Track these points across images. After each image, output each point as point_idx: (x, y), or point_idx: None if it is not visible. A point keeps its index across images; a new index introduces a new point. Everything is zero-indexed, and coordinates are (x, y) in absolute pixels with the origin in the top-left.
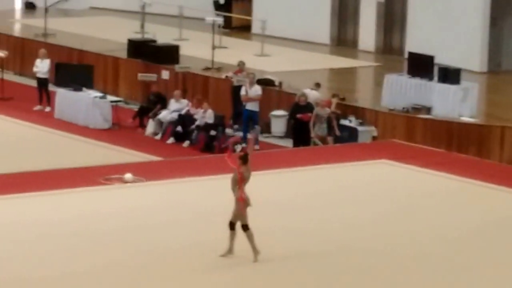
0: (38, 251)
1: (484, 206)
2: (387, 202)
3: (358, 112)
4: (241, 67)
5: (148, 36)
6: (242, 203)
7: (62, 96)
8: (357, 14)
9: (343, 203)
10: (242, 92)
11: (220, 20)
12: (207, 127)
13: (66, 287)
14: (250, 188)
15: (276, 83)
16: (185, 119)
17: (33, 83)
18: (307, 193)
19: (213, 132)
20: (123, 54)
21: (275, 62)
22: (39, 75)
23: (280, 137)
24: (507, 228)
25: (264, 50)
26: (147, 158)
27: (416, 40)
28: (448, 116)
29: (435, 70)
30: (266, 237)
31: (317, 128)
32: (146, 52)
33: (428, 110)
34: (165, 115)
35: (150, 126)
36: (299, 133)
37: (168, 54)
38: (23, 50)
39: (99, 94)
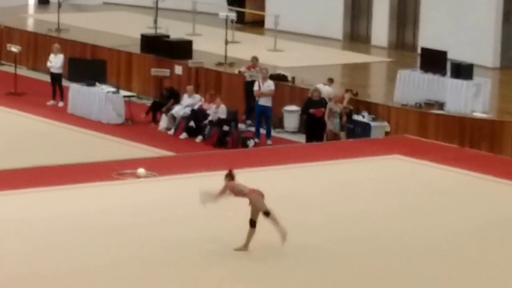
0: (51, 246)
1: (496, 202)
2: (400, 197)
3: (371, 107)
4: (254, 62)
5: (161, 31)
6: (253, 194)
7: (75, 91)
8: (370, 10)
9: (356, 198)
10: (255, 87)
11: (233, 15)
12: (220, 122)
13: (80, 282)
14: (263, 183)
15: (289, 78)
16: (198, 114)
17: (47, 78)
18: (320, 188)
19: (226, 127)
20: (136, 49)
21: (288, 57)
22: (53, 70)
23: (293, 132)
24: None
25: (277, 45)
26: (160, 153)
27: (429, 36)
28: (461, 112)
29: (448, 66)
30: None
31: (330, 123)
32: (159, 47)
33: (440, 105)
34: (178, 110)
35: (163, 121)
36: (312, 128)
37: (181, 49)
38: (36, 45)
39: (112, 89)
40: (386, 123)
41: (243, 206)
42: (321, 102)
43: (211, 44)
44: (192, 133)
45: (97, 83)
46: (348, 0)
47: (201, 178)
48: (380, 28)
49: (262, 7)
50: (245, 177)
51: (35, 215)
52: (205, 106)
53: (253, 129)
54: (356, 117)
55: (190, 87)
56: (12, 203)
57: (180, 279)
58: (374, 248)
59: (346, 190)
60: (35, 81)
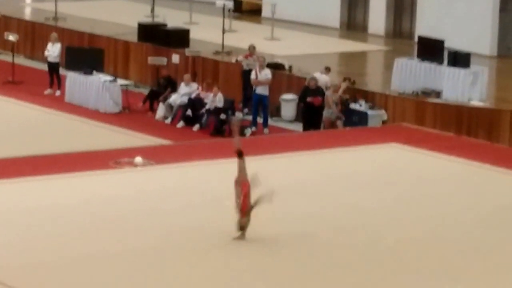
0: (47, 235)
1: (493, 190)
2: (397, 185)
3: (368, 96)
4: (251, 51)
5: (158, 20)
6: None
7: (73, 79)
8: None
9: (353, 187)
10: (252, 76)
11: (230, 4)
12: (217, 111)
13: (78, 270)
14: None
15: (286, 67)
16: (195, 103)
17: (44, 67)
18: (317, 177)
19: (223, 116)
20: (133, 38)
21: (285, 46)
22: (50, 59)
23: (290, 121)
24: None
25: (274, 34)
26: (157, 142)
27: (426, 24)
28: (458, 100)
29: (445, 54)
30: (274, 221)
31: (326, 112)
32: (156, 36)
33: (438, 94)
34: (175, 99)
35: (160, 110)
36: (309, 117)
37: (178, 38)
38: (33, 34)
39: (109, 78)
40: (383, 112)
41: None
42: (318, 91)
43: (208, 33)
44: (189, 121)
45: (94, 72)
46: None
47: (198, 166)
48: (377, 16)
49: None
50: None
51: (32, 204)
52: (202, 94)
53: (250, 117)
54: (353, 105)
55: (187, 76)
56: (9, 192)
57: (178, 268)
58: (371, 237)
59: (343, 179)
60: (32, 70)
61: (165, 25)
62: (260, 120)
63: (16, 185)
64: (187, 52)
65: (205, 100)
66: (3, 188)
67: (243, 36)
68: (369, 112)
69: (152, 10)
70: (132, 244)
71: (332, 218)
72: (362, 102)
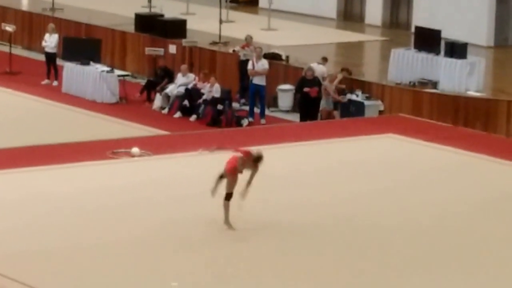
0: (45, 225)
1: (490, 181)
2: (394, 176)
3: (365, 86)
4: (248, 41)
5: (155, 10)
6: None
7: (70, 70)
8: None
9: (350, 177)
10: (249, 66)
11: None
12: (214, 101)
13: (73, 260)
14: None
15: (283, 57)
16: (192, 93)
17: (41, 57)
18: (314, 167)
19: (220, 106)
20: (130, 28)
21: (282, 36)
22: (47, 50)
23: (287, 111)
24: None
25: (271, 24)
26: (154, 132)
27: (423, 14)
28: (455, 91)
29: (442, 45)
30: (272, 211)
31: (324, 102)
32: (153, 26)
33: (434, 84)
34: (172, 89)
35: (157, 100)
36: (306, 107)
37: (175, 29)
38: (31, 25)
39: (107, 68)
40: (380, 102)
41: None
42: (315, 81)
43: (205, 23)
44: (186, 112)
45: (91, 62)
46: None
47: (195, 157)
48: (374, 6)
49: None
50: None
51: (28, 194)
52: (199, 85)
53: (247, 108)
54: (350, 96)
55: (184, 66)
56: (5, 182)
57: (174, 257)
58: (368, 227)
59: (340, 169)
60: (29, 61)
61: (162, 15)
62: (257, 110)
63: (13, 175)
64: (184, 42)
65: (202, 91)
66: None
67: (240, 26)
68: (366, 103)
69: (149, 1)
70: (129, 234)
71: (329, 207)
72: (359, 92)
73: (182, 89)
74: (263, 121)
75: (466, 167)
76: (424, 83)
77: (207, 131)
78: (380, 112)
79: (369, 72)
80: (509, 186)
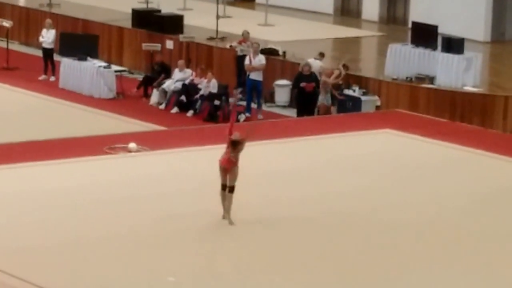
0: (42, 220)
1: (487, 176)
2: (391, 171)
3: (362, 81)
4: (245, 37)
5: (152, 5)
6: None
7: (67, 65)
8: None
9: (347, 173)
10: (246, 61)
11: None
12: (211, 96)
13: (70, 255)
14: (254, 157)
15: (280, 52)
16: (189, 89)
17: (38, 53)
18: (311, 163)
19: (217, 102)
20: (127, 24)
21: (279, 32)
22: (45, 45)
23: (284, 107)
24: (510, 198)
25: (268, 20)
26: (151, 128)
27: (419, 10)
28: (452, 86)
29: (439, 40)
30: (269, 206)
31: (322, 98)
32: (150, 22)
33: (431, 79)
34: (169, 84)
35: (154, 96)
36: (302, 102)
37: (172, 24)
38: (28, 20)
39: (104, 64)
40: (376, 97)
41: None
42: (312, 77)
43: (202, 18)
44: (183, 107)
45: (88, 58)
46: None
47: (192, 152)
48: (371, 2)
49: None
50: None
51: (25, 189)
52: (196, 80)
53: (244, 103)
54: (346, 91)
55: (181, 62)
56: (2, 178)
57: (171, 251)
58: (365, 222)
59: (337, 165)
60: (27, 56)
61: (159, 11)
62: (254, 105)
63: (9, 170)
64: (181, 38)
65: (199, 86)
66: None
67: (237, 22)
68: (363, 98)
69: None
70: (126, 229)
71: (326, 203)
72: (356, 87)
73: (179, 85)
74: (260, 116)
75: (463, 162)
76: (421, 79)
77: (203, 127)
78: (377, 107)
79: (366, 68)
80: (506, 181)
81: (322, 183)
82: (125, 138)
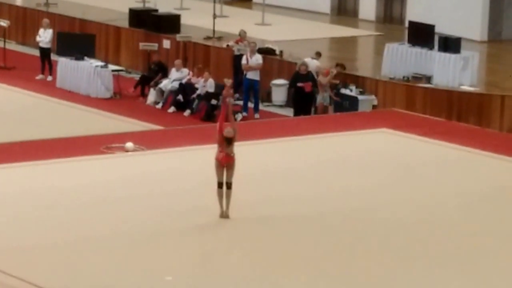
0: (39, 220)
1: (484, 175)
2: (388, 170)
3: (359, 81)
4: (242, 36)
5: (149, 5)
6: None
7: (64, 65)
8: None
9: (344, 172)
10: (243, 61)
11: None
12: (208, 96)
13: (69, 254)
14: (251, 156)
15: (277, 52)
16: (186, 88)
17: (35, 52)
18: (308, 162)
19: (214, 101)
20: (124, 23)
21: (276, 31)
22: (42, 45)
23: (281, 106)
24: (506, 196)
25: (265, 19)
26: (148, 127)
27: (416, 9)
28: (448, 85)
29: (436, 39)
30: (266, 205)
31: (320, 97)
32: (147, 21)
33: (428, 79)
34: (166, 84)
35: (151, 95)
36: (299, 102)
37: (169, 23)
38: (25, 20)
39: (101, 63)
40: (373, 97)
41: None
42: (309, 76)
43: (199, 18)
44: (180, 107)
45: (85, 57)
46: None
47: (189, 151)
48: (368, 1)
49: None
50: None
51: (23, 188)
52: (193, 80)
53: (241, 103)
54: (343, 90)
55: (178, 61)
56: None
57: (168, 251)
58: (362, 221)
59: (334, 164)
60: (24, 56)
61: (156, 10)
62: (251, 105)
63: (7, 170)
64: (178, 37)
65: (196, 85)
66: None
67: (234, 21)
68: (360, 97)
69: None
70: (123, 228)
71: (323, 202)
72: (353, 87)
73: (176, 84)
74: (257, 115)
75: (459, 162)
76: (417, 78)
77: (201, 126)
78: (374, 106)
79: (363, 67)
80: (502, 180)
81: (319, 182)
82: (122, 137)
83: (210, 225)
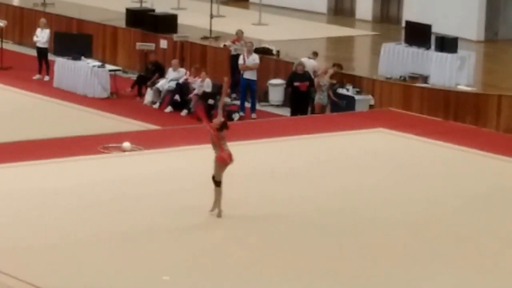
0: (36, 220)
1: (480, 175)
2: (385, 170)
3: (355, 80)
4: (239, 36)
5: (146, 5)
6: (220, 162)
7: (61, 65)
8: None
9: (341, 172)
10: (240, 61)
11: None
12: (205, 96)
13: (66, 254)
14: (248, 156)
15: (274, 52)
16: (183, 88)
17: (32, 52)
18: (305, 162)
19: (211, 101)
20: (121, 23)
21: (273, 31)
22: (39, 45)
23: (278, 106)
24: (503, 196)
25: (261, 19)
26: (145, 127)
27: (413, 9)
28: (445, 85)
29: (432, 39)
30: (262, 205)
31: (318, 97)
32: (144, 21)
33: (425, 79)
34: (163, 84)
35: (148, 95)
36: (296, 101)
37: (166, 23)
38: (22, 20)
39: (98, 63)
40: (370, 97)
41: (227, 179)
42: (305, 76)
43: (196, 18)
44: (177, 106)
45: (82, 57)
46: None
47: (186, 151)
48: (365, 1)
49: None
50: (230, 150)
51: (20, 188)
52: (190, 79)
53: (238, 102)
54: (340, 90)
55: (175, 61)
56: None
57: (166, 251)
58: (358, 221)
59: (331, 164)
60: (21, 56)
61: (153, 10)
62: (248, 105)
63: (3, 170)
64: (175, 37)
65: (193, 85)
66: None
67: (231, 21)
68: (356, 97)
69: None
70: (120, 228)
71: (319, 201)
72: (350, 87)
73: (173, 84)
74: (254, 115)
75: (456, 161)
76: (414, 78)
77: (198, 126)
78: (371, 106)
79: (360, 67)
80: (499, 179)
81: (316, 182)
82: (119, 137)
83: (207, 225)
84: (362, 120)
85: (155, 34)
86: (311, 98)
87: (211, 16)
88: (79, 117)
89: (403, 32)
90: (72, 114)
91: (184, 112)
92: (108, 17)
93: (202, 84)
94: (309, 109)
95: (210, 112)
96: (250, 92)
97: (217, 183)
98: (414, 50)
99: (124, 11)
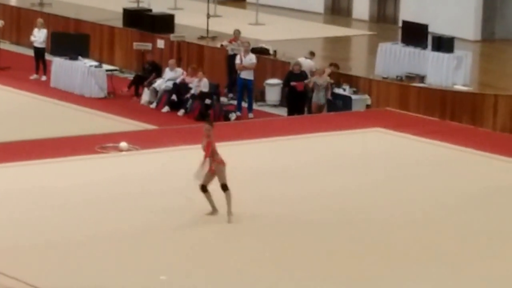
0: (34, 220)
1: (477, 174)
2: (381, 170)
3: (352, 80)
4: (236, 36)
5: (143, 5)
6: (223, 165)
7: (58, 65)
8: None
9: (338, 171)
10: (237, 60)
11: None
12: (202, 95)
13: (63, 253)
14: (245, 156)
15: (271, 51)
16: (180, 88)
17: (30, 52)
18: (302, 162)
19: (208, 101)
20: (118, 23)
21: (270, 31)
22: (36, 45)
23: (275, 106)
24: (499, 195)
25: (258, 19)
26: (142, 127)
27: (410, 9)
28: (442, 85)
29: (429, 39)
30: (260, 204)
31: (315, 97)
32: (141, 21)
33: (421, 78)
34: (160, 83)
35: (145, 95)
36: (293, 101)
37: (163, 23)
38: (19, 20)
39: (95, 63)
40: (367, 96)
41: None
42: (302, 76)
43: (193, 18)
44: (174, 106)
45: (79, 57)
46: None
47: (183, 151)
48: (362, 1)
49: None
50: (227, 150)
51: (18, 188)
52: (187, 79)
53: (235, 102)
54: (337, 90)
55: (172, 61)
56: None
57: (162, 251)
58: (356, 220)
59: (328, 163)
60: (18, 56)
61: (150, 10)
62: (244, 104)
63: (1, 170)
64: (172, 37)
65: (190, 85)
66: None
67: (228, 21)
68: (353, 97)
69: None
70: (117, 228)
71: (317, 201)
72: (346, 86)
73: (170, 84)
74: (250, 115)
75: (453, 161)
76: (411, 77)
77: (195, 126)
78: (368, 106)
79: (357, 66)
80: (496, 179)
81: (313, 182)
82: (116, 137)
83: (205, 224)
84: (359, 120)
85: (152, 34)
86: (308, 98)
87: (208, 16)
88: (76, 117)
89: (399, 32)
90: (69, 114)
91: (181, 112)
92: (105, 17)
93: (199, 84)
94: (306, 108)
95: (207, 112)
96: (247, 92)
97: (227, 187)
98: (410, 49)
99: (121, 11)
